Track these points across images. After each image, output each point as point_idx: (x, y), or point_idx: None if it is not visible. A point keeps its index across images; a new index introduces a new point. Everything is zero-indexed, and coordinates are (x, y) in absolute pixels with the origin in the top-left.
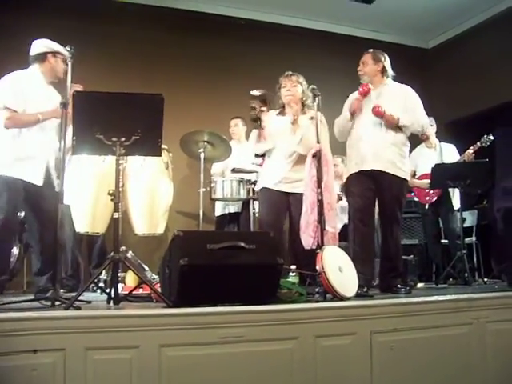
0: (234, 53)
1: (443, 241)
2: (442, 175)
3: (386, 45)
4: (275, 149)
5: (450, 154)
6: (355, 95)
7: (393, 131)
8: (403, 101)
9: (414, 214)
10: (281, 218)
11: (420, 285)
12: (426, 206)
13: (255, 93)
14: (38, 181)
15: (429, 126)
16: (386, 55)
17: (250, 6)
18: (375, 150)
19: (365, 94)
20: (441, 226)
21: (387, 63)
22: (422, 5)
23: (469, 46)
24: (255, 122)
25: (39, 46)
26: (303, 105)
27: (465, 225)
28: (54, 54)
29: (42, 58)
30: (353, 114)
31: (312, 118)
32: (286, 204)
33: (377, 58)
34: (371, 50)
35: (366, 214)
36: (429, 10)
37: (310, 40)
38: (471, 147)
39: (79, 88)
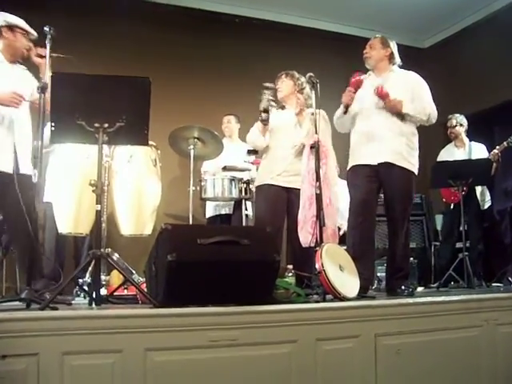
0: (228, 50)
1: (459, 244)
2: (442, 174)
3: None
4: (275, 143)
5: (479, 153)
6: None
7: (399, 120)
8: (410, 89)
9: (413, 217)
10: (279, 215)
11: (420, 289)
12: (452, 206)
13: (268, 85)
14: (7, 167)
15: (435, 116)
16: (394, 42)
17: (244, 3)
18: (381, 142)
19: (356, 85)
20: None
21: (395, 50)
22: (419, 3)
23: (466, 45)
24: (265, 112)
25: None
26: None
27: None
28: (11, 28)
29: None
30: (347, 108)
31: (313, 115)
32: (284, 201)
33: (385, 43)
34: (380, 35)
35: (367, 209)
36: (425, 8)
37: (304, 38)
38: (497, 147)
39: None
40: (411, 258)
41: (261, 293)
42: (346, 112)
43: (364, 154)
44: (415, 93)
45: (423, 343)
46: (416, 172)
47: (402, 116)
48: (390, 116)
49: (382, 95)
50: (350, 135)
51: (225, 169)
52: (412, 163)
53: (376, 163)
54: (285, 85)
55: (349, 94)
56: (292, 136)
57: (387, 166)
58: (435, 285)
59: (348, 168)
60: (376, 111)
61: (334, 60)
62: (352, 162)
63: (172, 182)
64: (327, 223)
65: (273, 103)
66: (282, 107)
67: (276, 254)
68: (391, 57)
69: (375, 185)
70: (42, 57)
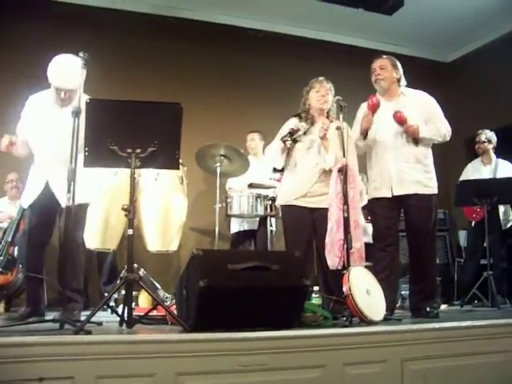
0: (252, 66)
1: (483, 261)
2: (467, 192)
3: (404, 58)
4: (299, 160)
5: (505, 170)
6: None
7: (413, 146)
8: (423, 109)
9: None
10: (306, 236)
11: (443, 306)
12: (473, 223)
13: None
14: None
15: (450, 134)
16: (398, 62)
17: (268, 18)
18: (398, 173)
19: (373, 107)
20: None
21: (401, 71)
22: (443, 17)
23: (490, 59)
24: (291, 135)
25: None
26: (328, 115)
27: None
28: None
29: None
30: (365, 133)
31: (338, 128)
32: (310, 221)
33: (395, 65)
34: (386, 56)
35: (389, 234)
36: (449, 22)
37: (329, 53)
38: None
39: None
40: None
41: (289, 317)
42: (365, 137)
43: (379, 185)
44: (428, 113)
45: (450, 368)
46: (436, 192)
47: (416, 141)
48: (405, 143)
49: (401, 120)
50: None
51: (251, 186)
52: (431, 186)
53: (394, 195)
54: (327, 98)
55: (367, 119)
56: (317, 158)
57: (408, 196)
58: (458, 302)
59: (368, 198)
60: (392, 139)
61: (358, 75)
62: (372, 193)
63: (197, 198)
64: (354, 246)
65: (300, 133)
66: (307, 119)
67: (305, 278)
68: (400, 79)
69: (395, 212)
70: None
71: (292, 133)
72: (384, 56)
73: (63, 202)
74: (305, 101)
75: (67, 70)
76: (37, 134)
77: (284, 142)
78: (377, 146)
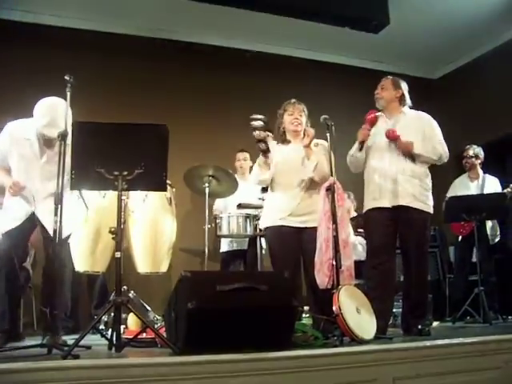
0: (239, 85)
1: (473, 277)
2: (456, 208)
3: (392, 75)
4: (281, 180)
5: (492, 186)
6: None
7: (411, 162)
8: (422, 130)
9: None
10: (294, 257)
11: (435, 323)
12: (459, 238)
13: (257, 116)
14: None
15: (447, 156)
16: (405, 83)
17: (254, 37)
18: (394, 184)
19: (371, 122)
20: (473, 260)
21: (406, 91)
22: (429, 35)
23: (476, 76)
24: (262, 142)
25: None
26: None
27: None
28: None
29: None
30: (362, 144)
31: (317, 145)
32: (298, 242)
33: (397, 85)
34: (391, 77)
35: (383, 252)
36: (435, 39)
37: (316, 71)
38: (511, 184)
39: None
40: None
41: (280, 338)
42: (361, 149)
43: (378, 196)
44: (426, 134)
45: None
46: (431, 211)
47: (413, 157)
48: (402, 158)
49: (393, 138)
50: (363, 174)
51: (240, 206)
52: (427, 204)
53: (391, 206)
54: (301, 120)
55: (364, 131)
56: (300, 171)
57: (402, 209)
58: (450, 319)
59: (364, 210)
60: (388, 151)
61: (346, 93)
62: (368, 204)
63: (186, 218)
64: (344, 264)
65: (268, 132)
66: (284, 140)
67: (293, 299)
68: (402, 98)
69: (392, 228)
70: None
71: (260, 140)
72: (389, 76)
73: (50, 228)
74: (279, 124)
75: (54, 118)
76: (20, 168)
77: (262, 152)
78: (375, 160)
